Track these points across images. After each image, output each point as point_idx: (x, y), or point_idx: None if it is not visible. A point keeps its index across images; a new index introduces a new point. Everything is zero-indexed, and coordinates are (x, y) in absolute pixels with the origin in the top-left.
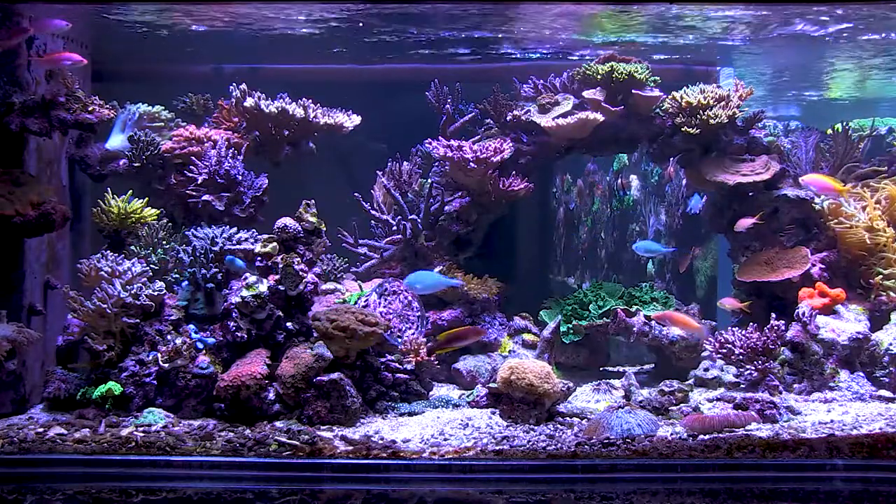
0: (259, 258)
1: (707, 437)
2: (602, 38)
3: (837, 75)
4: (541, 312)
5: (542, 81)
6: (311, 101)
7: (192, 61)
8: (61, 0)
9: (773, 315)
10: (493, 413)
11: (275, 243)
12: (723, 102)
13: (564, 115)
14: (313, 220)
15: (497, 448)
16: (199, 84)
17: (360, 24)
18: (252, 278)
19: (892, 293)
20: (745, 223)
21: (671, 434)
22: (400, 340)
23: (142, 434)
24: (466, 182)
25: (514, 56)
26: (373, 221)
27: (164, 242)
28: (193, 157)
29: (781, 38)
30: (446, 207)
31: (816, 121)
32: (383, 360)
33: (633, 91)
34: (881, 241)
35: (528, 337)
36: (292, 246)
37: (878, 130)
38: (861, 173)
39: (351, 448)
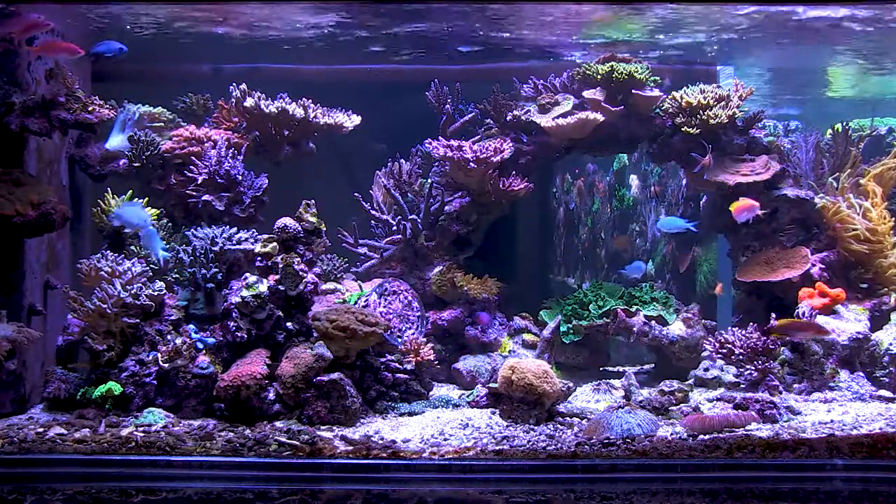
0: (259, 258)
1: (707, 437)
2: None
3: (837, 74)
4: (541, 312)
5: (542, 81)
6: (311, 101)
7: (193, 61)
8: (61, 0)
9: (773, 315)
10: (493, 413)
11: (275, 243)
12: (723, 102)
13: (564, 115)
14: (313, 220)
15: (497, 448)
16: (199, 84)
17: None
18: (252, 278)
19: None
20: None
21: (671, 434)
22: (400, 340)
23: (142, 434)
24: (466, 182)
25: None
26: (373, 221)
27: (164, 242)
28: (193, 157)
29: (783, 33)
30: (446, 207)
31: (816, 120)
32: (383, 360)
33: (633, 91)
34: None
35: (528, 337)
36: (292, 246)
37: (877, 130)
38: (867, 169)
39: (351, 448)
